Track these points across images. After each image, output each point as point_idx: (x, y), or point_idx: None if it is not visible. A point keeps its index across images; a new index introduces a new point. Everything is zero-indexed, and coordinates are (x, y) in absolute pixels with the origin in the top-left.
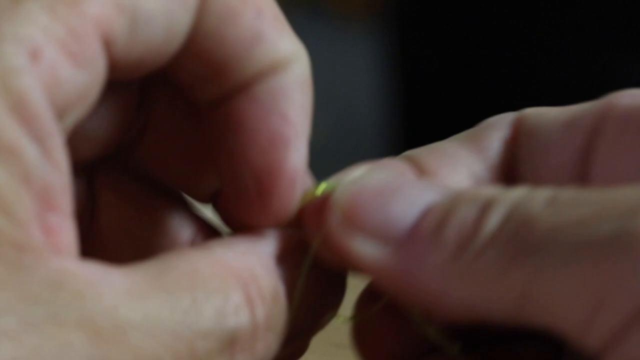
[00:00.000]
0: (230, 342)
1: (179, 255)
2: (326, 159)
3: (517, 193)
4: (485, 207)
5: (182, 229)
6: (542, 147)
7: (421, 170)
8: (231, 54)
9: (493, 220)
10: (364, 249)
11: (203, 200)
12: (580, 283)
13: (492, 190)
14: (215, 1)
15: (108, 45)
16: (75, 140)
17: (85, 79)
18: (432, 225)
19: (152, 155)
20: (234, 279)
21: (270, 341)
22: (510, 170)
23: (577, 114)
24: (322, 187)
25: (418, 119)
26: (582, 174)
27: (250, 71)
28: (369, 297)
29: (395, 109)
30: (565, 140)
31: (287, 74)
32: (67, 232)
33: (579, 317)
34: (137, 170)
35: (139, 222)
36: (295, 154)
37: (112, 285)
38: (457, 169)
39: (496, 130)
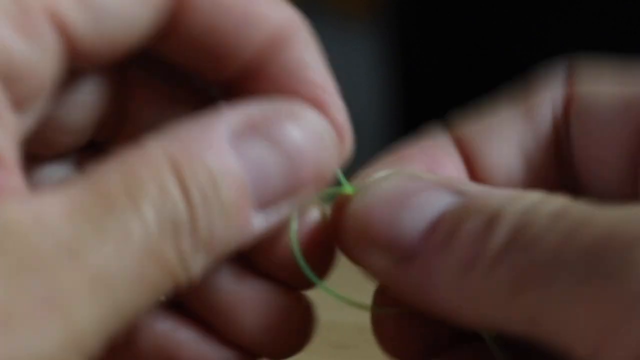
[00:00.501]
0: (173, 230)
1: (113, 160)
2: None
3: (525, 204)
4: (493, 220)
5: None
6: (597, 126)
7: (465, 148)
8: (225, 37)
9: (500, 236)
10: (376, 260)
11: None
12: (589, 310)
13: (502, 199)
14: None
15: (62, 25)
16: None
17: (35, 52)
18: (441, 238)
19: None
20: (165, 166)
21: (215, 222)
22: (561, 146)
23: (637, 95)
24: (345, 187)
25: (418, 118)
26: (636, 158)
27: (252, 49)
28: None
29: (395, 108)
30: (622, 121)
31: (296, 41)
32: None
33: (589, 343)
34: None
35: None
36: (338, 114)
37: (51, 212)
38: (505, 145)
39: (548, 100)
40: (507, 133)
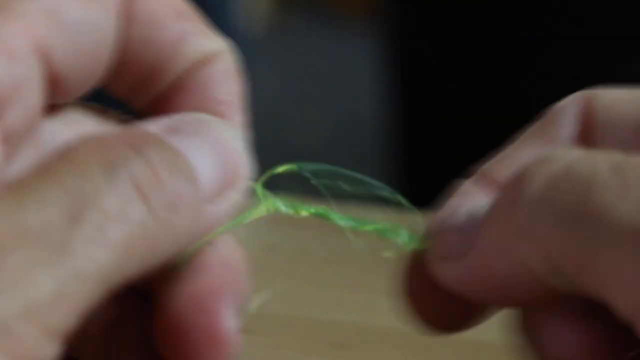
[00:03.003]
0: (137, 188)
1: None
2: (326, 158)
3: (577, 152)
4: (539, 162)
5: None
6: (620, 147)
7: (496, 186)
8: (160, 57)
9: (547, 175)
10: (448, 271)
11: None
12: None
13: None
14: (139, 9)
15: (45, 54)
16: None
17: (16, 72)
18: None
19: None
20: (114, 139)
21: (180, 175)
22: None
23: None
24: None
25: (418, 119)
26: None
27: (179, 68)
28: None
29: (395, 109)
30: None
31: (215, 64)
32: None
33: (632, 301)
34: None
35: None
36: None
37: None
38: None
39: (565, 126)
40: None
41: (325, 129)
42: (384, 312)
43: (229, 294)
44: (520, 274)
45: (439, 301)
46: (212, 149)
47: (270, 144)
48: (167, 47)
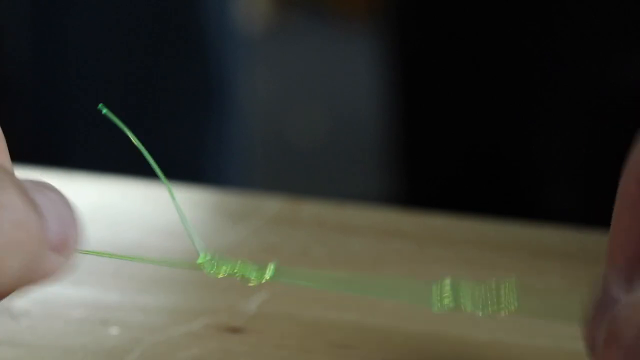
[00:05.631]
0: None
1: None
2: (326, 158)
3: None
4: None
5: None
6: None
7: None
8: None
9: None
10: None
11: None
12: None
13: None
14: None
15: None
16: None
17: None
18: None
19: None
20: None
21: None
22: None
23: None
24: None
25: (418, 119)
26: None
27: None
28: None
29: (395, 109)
30: None
31: None
32: None
33: None
34: None
35: None
36: None
37: None
38: None
39: None
40: None
41: (325, 129)
42: (384, 312)
43: None
44: None
45: None
46: (58, 202)
47: (270, 143)
48: None
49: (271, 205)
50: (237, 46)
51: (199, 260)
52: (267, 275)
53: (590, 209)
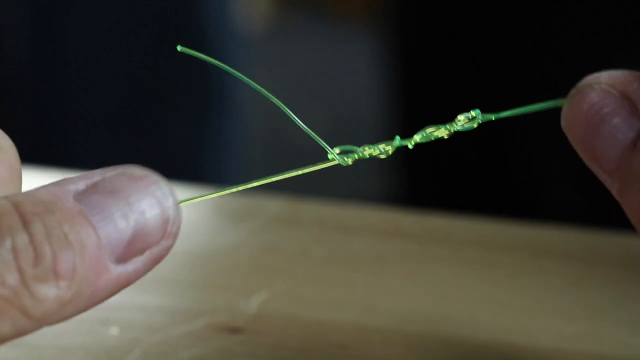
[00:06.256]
0: (16, 258)
1: None
2: (326, 158)
3: None
4: None
5: None
6: None
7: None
8: None
9: None
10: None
11: None
12: None
13: None
14: None
15: None
16: None
17: None
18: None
19: None
20: (8, 207)
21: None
22: None
23: None
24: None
25: (418, 118)
26: None
27: None
28: None
29: (395, 108)
30: None
31: None
32: None
33: None
34: None
35: None
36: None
37: None
38: None
39: None
40: None
41: (325, 129)
42: (384, 312)
43: None
44: None
45: None
46: (121, 211)
47: (270, 143)
48: None
49: (271, 205)
50: (237, 46)
51: (330, 156)
52: (395, 144)
53: (591, 208)
